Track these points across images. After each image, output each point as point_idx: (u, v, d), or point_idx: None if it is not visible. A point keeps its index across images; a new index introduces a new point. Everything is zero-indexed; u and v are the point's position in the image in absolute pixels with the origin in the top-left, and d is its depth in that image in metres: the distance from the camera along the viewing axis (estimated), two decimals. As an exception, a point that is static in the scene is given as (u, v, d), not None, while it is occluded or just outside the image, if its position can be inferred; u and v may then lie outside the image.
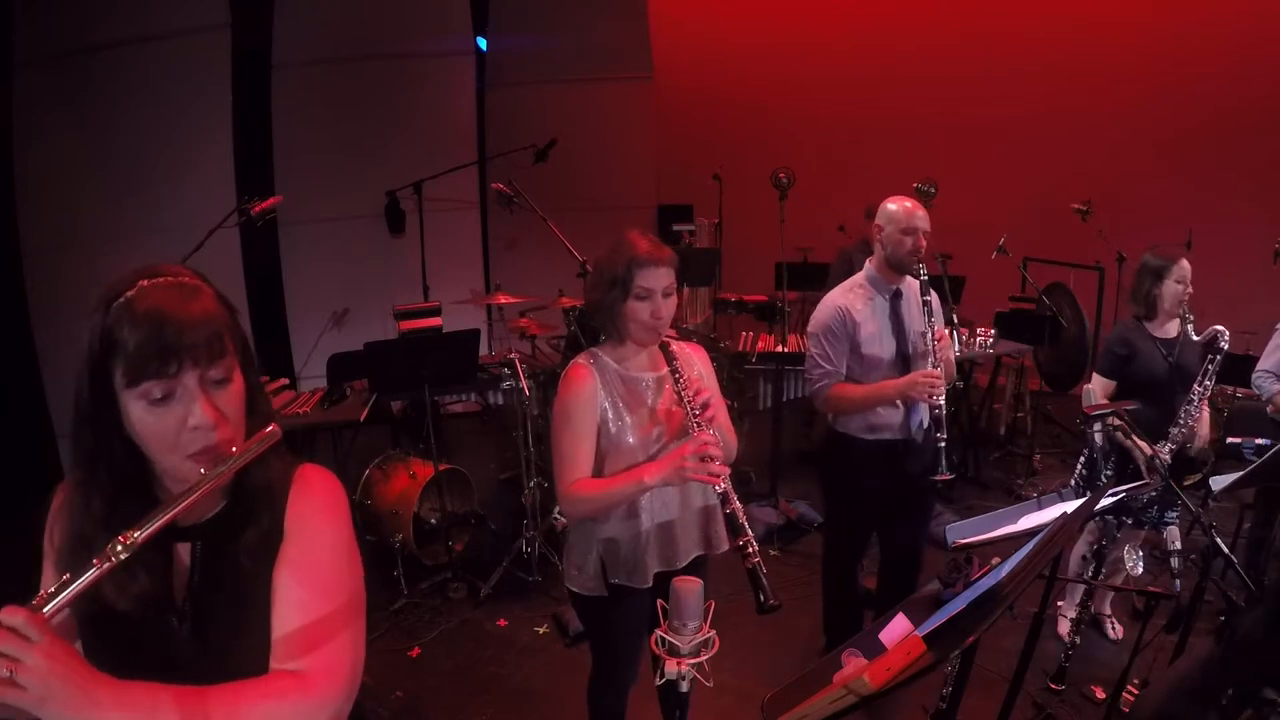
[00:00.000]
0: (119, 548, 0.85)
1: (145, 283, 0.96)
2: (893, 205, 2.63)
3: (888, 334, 2.63)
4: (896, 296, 2.66)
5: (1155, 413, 2.81)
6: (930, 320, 2.54)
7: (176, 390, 0.94)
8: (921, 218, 2.57)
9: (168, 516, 0.89)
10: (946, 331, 2.68)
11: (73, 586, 0.84)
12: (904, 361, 2.63)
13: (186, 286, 0.98)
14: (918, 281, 2.61)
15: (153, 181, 4.92)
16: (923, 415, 2.66)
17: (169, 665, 0.99)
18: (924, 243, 2.57)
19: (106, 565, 0.85)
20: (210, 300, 1.00)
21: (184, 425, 0.95)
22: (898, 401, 2.61)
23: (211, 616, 1.03)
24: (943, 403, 2.50)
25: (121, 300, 0.94)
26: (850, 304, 2.62)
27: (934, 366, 2.52)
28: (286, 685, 0.98)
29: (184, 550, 1.05)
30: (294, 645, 1.01)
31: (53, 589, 0.84)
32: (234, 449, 0.97)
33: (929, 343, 2.55)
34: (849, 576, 2.96)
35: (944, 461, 2.54)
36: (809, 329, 2.71)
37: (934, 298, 2.57)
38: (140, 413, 0.94)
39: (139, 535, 0.86)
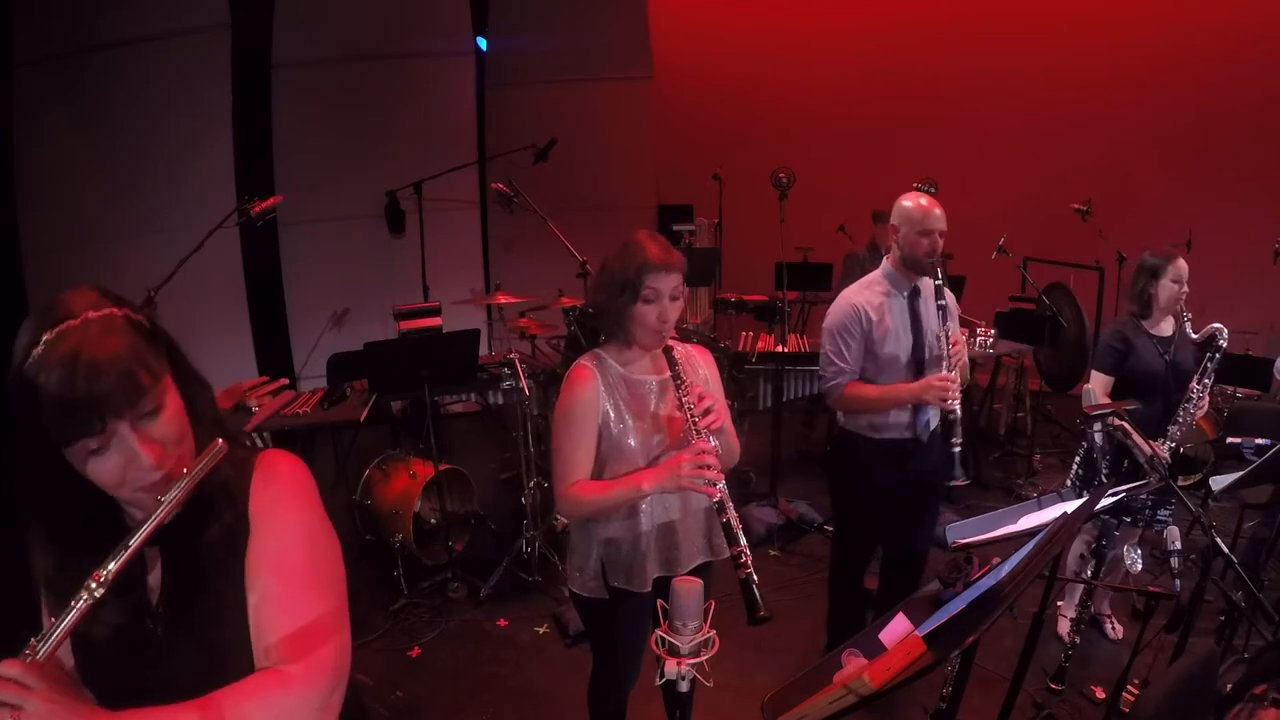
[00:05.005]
0: (94, 585, 0.88)
1: (48, 335, 0.90)
2: (908, 203, 2.56)
3: (905, 332, 2.58)
4: (914, 294, 2.60)
5: (1152, 410, 2.83)
6: (946, 324, 2.51)
7: (111, 440, 0.93)
8: (938, 217, 2.52)
9: (134, 548, 0.90)
10: (962, 336, 2.64)
11: (56, 631, 0.88)
12: (919, 362, 2.59)
13: (91, 323, 0.92)
14: (933, 282, 2.57)
15: (153, 181, 4.93)
16: (930, 416, 2.64)
17: (149, 669, 0.99)
18: (940, 242, 2.52)
19: (84, 604, 0.88)
20: (115, 335, 0.93)
21: (129, 465, 0.95)
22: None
23: (185, 618, 1.02)
24: (957, 408, 2.45)
25: (29, 362, 0.90)
26: (866, 301, 2.57)
27: (948, 370, 2.48)
28: (266, 683, 0.97)
29: (152, 555, 1.04)
30: (271, 641, 1.00)
31: (38, 638, 0.88)
32: (185, 469, 0.95)
33: (944, 346, 2.51)
34: (855, 576, 2.94)
35: (958, 467, 2.51)
36: (824, 326, 2.66)
37: (950, 300, 2.53)
38: (82, 464, 0.94)
39: (111, 569, 0.89)
